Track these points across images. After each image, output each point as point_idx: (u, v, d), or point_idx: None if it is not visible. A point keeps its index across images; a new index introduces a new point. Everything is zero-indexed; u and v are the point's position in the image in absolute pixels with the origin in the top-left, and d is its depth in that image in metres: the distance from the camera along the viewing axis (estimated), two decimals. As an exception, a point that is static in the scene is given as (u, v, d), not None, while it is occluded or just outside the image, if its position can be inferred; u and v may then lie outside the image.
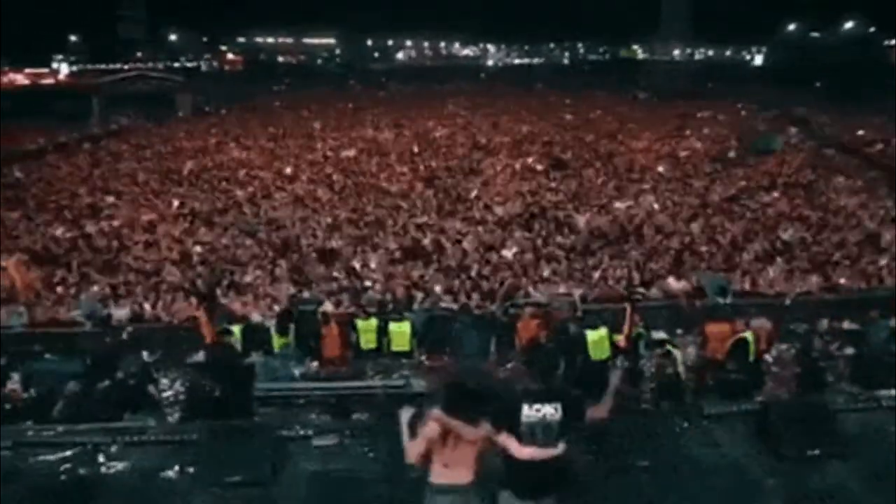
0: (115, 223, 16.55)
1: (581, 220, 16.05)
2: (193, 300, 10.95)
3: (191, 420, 7.51)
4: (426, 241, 14.40)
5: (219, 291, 11.69)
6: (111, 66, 54.93)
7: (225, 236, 15.32)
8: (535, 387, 4.25)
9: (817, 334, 10.01)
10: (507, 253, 13.55)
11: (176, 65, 67.95)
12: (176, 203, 18.50)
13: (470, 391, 4.28)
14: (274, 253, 14.03)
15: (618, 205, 17.47)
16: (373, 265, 13.04)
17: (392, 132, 31.25)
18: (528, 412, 4.19)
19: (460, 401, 4.12)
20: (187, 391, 8.61)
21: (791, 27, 67.08)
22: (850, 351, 9.24)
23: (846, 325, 10.15)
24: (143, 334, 9.80)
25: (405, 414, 4.27)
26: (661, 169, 22.12)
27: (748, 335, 8.23)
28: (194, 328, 9.35)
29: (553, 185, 20.09)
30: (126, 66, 50.42)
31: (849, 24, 63.04)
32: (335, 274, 12.54)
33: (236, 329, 8.96)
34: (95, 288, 11.81)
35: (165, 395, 8.66)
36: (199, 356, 9.19)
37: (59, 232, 15.86)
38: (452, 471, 4.11)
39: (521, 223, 15.94)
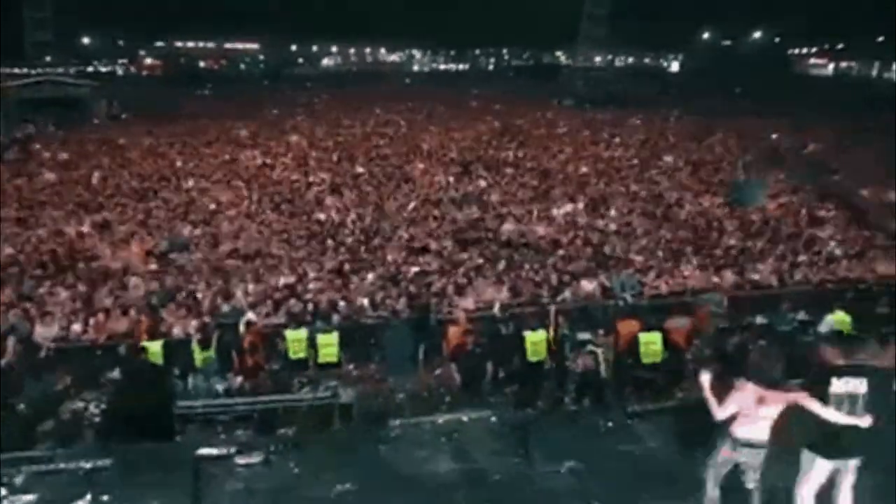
0: (37, 235, 15.66)
1: (500, 226, 16.18)
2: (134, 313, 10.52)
3: (106, 444, 7.14)
4: (346, 251, 14.16)
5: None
6: (16, 71, 51.80)
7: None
8: (844, 363, 4.68)
9: (735, 330, 10.44)
10: (428, 260, 13.49)
11: (89, 69, 65.03)
12: (96, 216, 17.62)
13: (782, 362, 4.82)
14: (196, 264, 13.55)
15: (537, 210, 17.69)
16: (293, 276, 12.69)
17: (313, 139, 30.71)
18: (838, 384, 4.63)
19: (774, 370, 4.70)
20: (103, 413, 8.21)
21: (705, 35, 70.12)
22: (761, 344, 9.64)
23: (759, 319, 10.64)
24: (60, 355, 9.24)
25: (705, 376, 4.89)
26: (581, 174, 22.56)
27: (645, 334, 8.47)
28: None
29: (473, 190, 20.14)
30: (33, 71, 47.51)
31: (757, 34, 66.52)
32: (255, 285, 12.13)
33: (154, 345, 8.58)
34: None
35: (79, 417, 8.20)
36: (115, 374, 8.80)
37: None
38: (754, 428, 4.72)
39: (441, 228, 15.91)
